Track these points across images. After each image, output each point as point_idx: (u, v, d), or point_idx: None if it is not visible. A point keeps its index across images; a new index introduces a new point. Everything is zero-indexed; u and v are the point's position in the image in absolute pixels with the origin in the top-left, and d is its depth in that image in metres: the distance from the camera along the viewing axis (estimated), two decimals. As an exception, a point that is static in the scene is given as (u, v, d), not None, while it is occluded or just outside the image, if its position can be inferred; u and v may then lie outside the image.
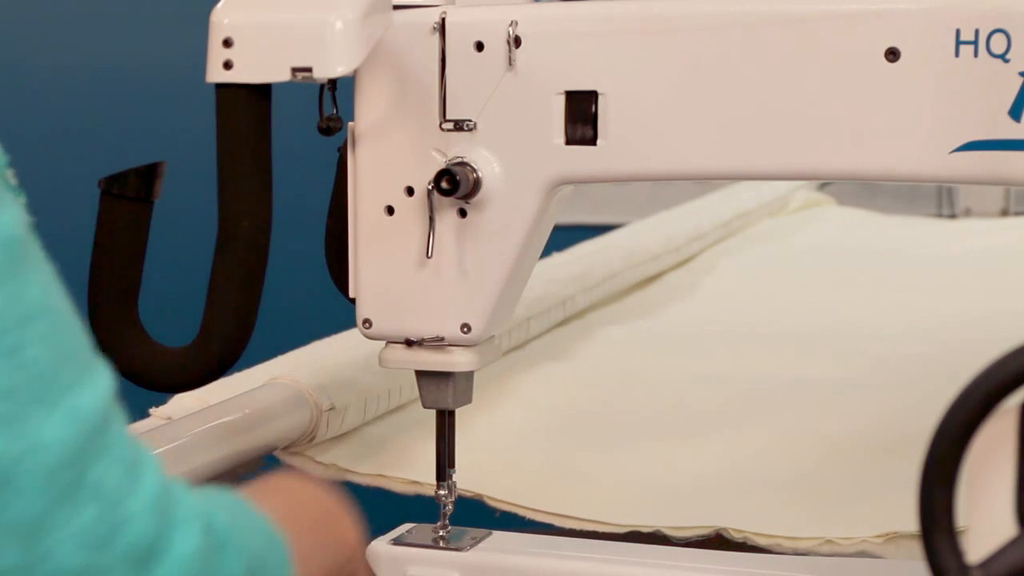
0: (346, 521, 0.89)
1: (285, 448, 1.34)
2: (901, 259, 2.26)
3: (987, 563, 0.73)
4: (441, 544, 1.19)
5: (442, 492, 1.20)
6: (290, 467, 1.35)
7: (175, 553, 0.64)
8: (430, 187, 1.10)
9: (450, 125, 1.11)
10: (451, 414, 1.18)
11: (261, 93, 1.05)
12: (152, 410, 1.32)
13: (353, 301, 1.17)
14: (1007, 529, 0.74)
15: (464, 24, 1.10)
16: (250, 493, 0.77)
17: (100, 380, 0.64)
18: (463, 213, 1.12)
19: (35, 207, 0.77)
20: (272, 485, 0.86)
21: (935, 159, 1.03)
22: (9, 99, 2.83)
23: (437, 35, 1.10)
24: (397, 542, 1.20)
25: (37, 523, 0.60)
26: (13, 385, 0.60)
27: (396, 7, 1.09)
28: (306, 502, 0.85)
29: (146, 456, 0.65)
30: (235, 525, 0.70)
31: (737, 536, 1.23)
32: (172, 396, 1.32)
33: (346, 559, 0.88)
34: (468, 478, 1.26)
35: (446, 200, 1.11)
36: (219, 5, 1.05)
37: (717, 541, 1.23)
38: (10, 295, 0.61)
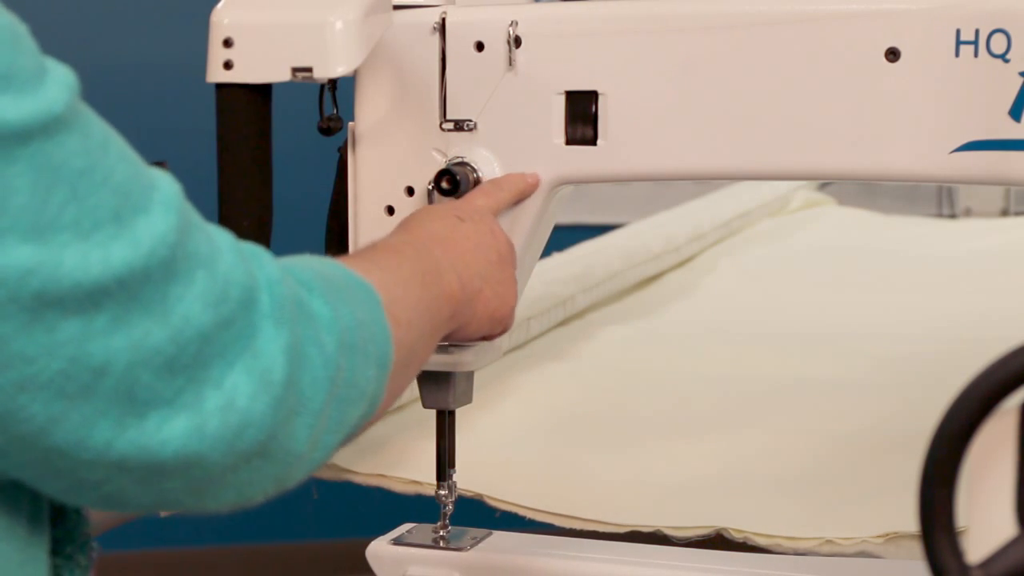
0: (449, 272, 0.95)
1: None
2: (901, 259, 2.26)
3: (987, 563, 0.73)
4: (441, 544, 1.19)
5: (442, 492, 1.20)
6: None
7: (266, 282, 0.75)
8: (430, 187, 1.10)
9: (450, 125, 1.11)
10: (451, 414, 1.18)
11: (261, 93, 1.05)
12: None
13: (353, 301, 1.16)
14: (1007, 529, 0.74)
15: (464, 24, 1.10)
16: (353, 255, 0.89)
17: (166, 174, 0.73)
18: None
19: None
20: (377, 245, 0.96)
21: (935, 159, 1.03)
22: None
23: (437, 35, 1.10)
24: (397, 542, 1.20)
25: (166, 300, 0.70)
26: (116, 206, 0.68)
27: (396, 7, 1.09)
28: (411, 255, 0.93)
29: (211, 224, 0.75)
30: (299, 260, 0.81)
31: (737, 536, 1.23)
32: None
33: (452, 313, 0.94)
34: (468, 478, 1.26)
35: (446, 200, 1.11)
36: (219, 5, 1.05)
37: (717, 541, 1.23)
38: (84, 133, 0.69)
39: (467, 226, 1.00)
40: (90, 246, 0.67)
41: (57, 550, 0.77)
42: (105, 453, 0.69)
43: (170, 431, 0.70)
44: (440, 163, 1.11)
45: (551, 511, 1.29)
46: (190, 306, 0.70)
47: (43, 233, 0.66)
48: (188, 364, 0.70)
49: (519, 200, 1.10)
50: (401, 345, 0.85)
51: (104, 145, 0.70)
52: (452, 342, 1.03)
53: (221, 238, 0.74)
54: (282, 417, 0.74)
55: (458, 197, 1.10)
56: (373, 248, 0.95)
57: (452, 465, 1.20)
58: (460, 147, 1.11)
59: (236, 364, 0.72)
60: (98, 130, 0.70)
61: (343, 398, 0.79)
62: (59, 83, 0.68)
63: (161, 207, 0.70)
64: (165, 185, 0.72)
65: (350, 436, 0.82)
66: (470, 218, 1.01)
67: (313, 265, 0.82)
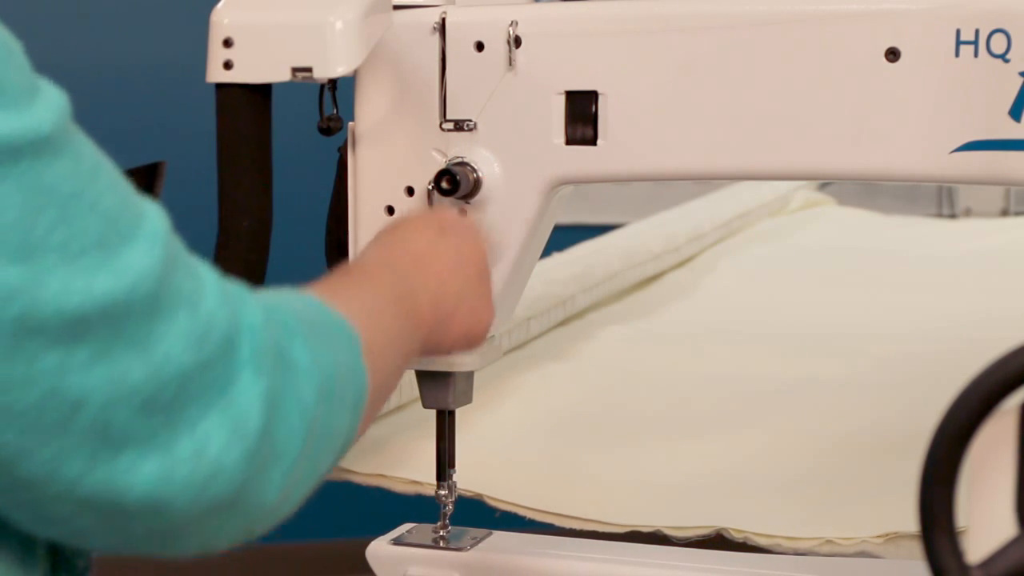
0: (423, 295, 0.93)
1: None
2: (901, 259, 2.26)
3: (987, 563, 0.73)
4: (441, 544, 1.19)
5: (442, 492, 1.20)
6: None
7: (248, 328, 0.73)
8: (430, 187, 1.10)
9: (450, 125, 1.11)
10: (451, 414, 1.18)
11: (261, 93, 1.05)
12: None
13: (353, 301, 1.16)
14: (1007, 529, 0.74)
15: (464, 24, 1.10)
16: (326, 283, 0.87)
17: (152, 205, 0.72)
18: (463, 213, 1.12)
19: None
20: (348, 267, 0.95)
21: (935, 159, 1.03)
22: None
23: (437, 35, 1.10)
24: (397, 542, 1.20)
25: (149, 337, 0.69)
26: (103, 233, 0.68)
27: (396, 7, 1.09)
28: (387, 282, 0.91)
29: (196, 259, 0.74)
30: (281, 301, 0.79)
31: (737, 536, 1.23)
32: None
33: (423, 338, 0.92)
34: (468, 478, 1.26)
35: (446, 200, 1.11)
36: (219, 5, 1.05)
37: (717, 541, 1.23)
38: (75, 157, 0.68)
39: (448, 240, 0.97)
40: (74, 272, 0.66)
41: (55, 552, 0.77)
42: (72, 489, 0.68)
43: (139, 473, 0.69)
44: (440, 163, 1.11)
45: (551, 511, 1.29)
46: (172, 345, 0.69)
47: (30, 254, 0.65)
48: (166, 405, 0.69)
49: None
50: (374, 380, 0.83)
51: (94, 171, 0.69)
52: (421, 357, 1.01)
53: (206, 276, 0.73)
54: (254, 469, 0.72)
55: (458, 197, 1.10)
56: (349, 273, 0.93)
57: (452, 465, 1.20)
58: (460, 147, 1.11)
59: (211, 409, 0.70)
60: (89, 156, 0.69)
61: (318, 447, 0.77)
62: (50, 105, 0.68)
63: (147, 239, 0.70)
64: (153, 217, 0.71)
65: (321, 479, 0.80)
66: (453, 229, 0.99)
67: (295, 306, 0.80)
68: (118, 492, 0.69)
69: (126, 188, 0.71)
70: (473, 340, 0.98)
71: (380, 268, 0.93)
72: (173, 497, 0.70)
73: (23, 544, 0.73)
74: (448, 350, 0.98)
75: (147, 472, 0.69)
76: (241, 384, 0.72)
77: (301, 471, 0.76)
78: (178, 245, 0.72)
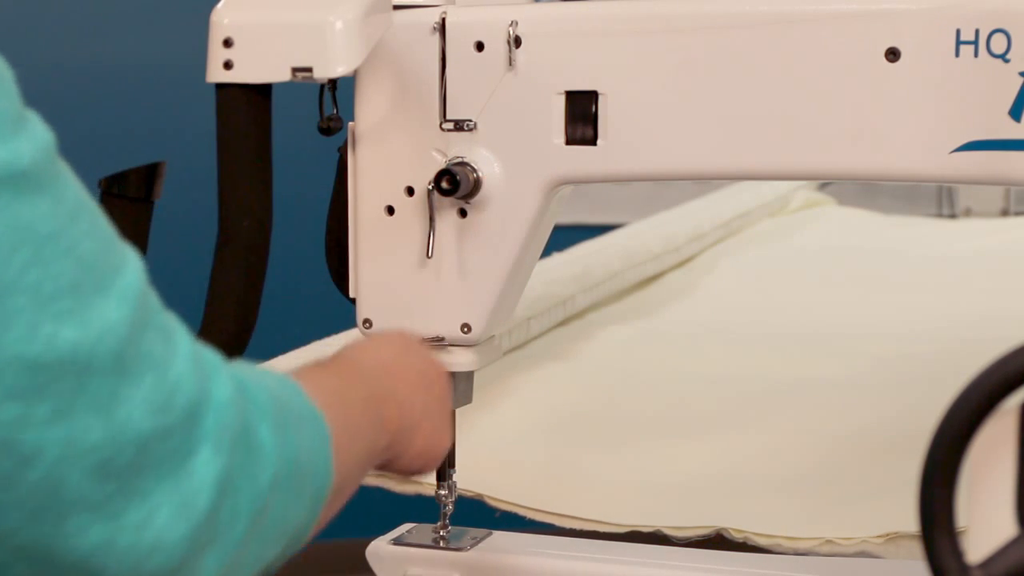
0: (391, 401, 0.91)
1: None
2: (901, 259, 2.26)
3: (987, 563, 0.73)
4: (441, 544, 1.19)
5: (442, 492, 1.20)
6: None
7: (215, 402, 0.71)
8: (430, 187, 1.10)
9: (450, 125, 1.11)
10: (451, 414, 1.18)
11: (261, 93, 1.05)
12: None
13: (353, 301, 1.17)
14: (1007, 529, 0.74)
15: (464, 24, 1.10)
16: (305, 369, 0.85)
17: (133, 258, 0.70)
18: (463, 213, 1.12)
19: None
20: (333, 358, 0.92)
21: (935, 159, 1.03)
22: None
23: (437, 35, 1.10)
24: (397, 542, 1.20)
25: (112, 398, 0.66)
26: (76, 280, 0.66)
27: (396, 7, 1.09)
28: (357, 380, 0.89)
29: (173, 320, 0.72)
30: (256, 378, 0.77)
31: (737, 536, 1.23)
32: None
33: (387, 443, 0.90)
34: (468, 478, 1.26)
35: (446, 200, 1.11)
36: (219, 5, 1.05)
37: (717, 541, 1.23)
38: (56, 197, 0.66)
39: (413, 359, 0.96)
40: (43, 317, 0.64)
41: None
42: (9, 538, 0.66)
43: (81, 538, 0.67)
44: (440, 163, 1.11)
45: (551, 511, 1.29)
46: (133, 409, 0.67)
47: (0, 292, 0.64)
48: (120, 471, 0.67)
49: None
50: (339, 473, 0.81)
51: (75, 214, 0.67)
52: (382, 472, 1.00)
53: (180, 341, 0.71)
54: (196, 548, 0.70)
55: (458, 197, 1.10)
56: (323, 365, 0.90)
57: (452, 465, 1.20)
58: (460, 147, 1.11)
59: (165, 481, 0.68)
60: (72, 197, 0.67)
61: (264, 535, 0.75)
62: (34, 139, 0.66)
63: (120, 295, 0.67)
64: (130, 272, 0.69)
65: (270, 567, 0.78)
66: (416, 352, 0.97)
67: (271, 384, 0.77)
68: (54, 551, 0.67)
69: (107, 235, 0.69)
70: (431, 461, 0.96)
71: (352, 367, 0.91)
72: (110, 566, 0.68)
73: None
74: (407, 467, 0.95)
75: (90, 537, 0.67)
76: (198, 459, 0.69)
77: (242, 556, 0.73)
78: (153, 304, 0.70)
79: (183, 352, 0.70)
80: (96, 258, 0.67)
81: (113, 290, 0.67)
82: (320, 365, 0.90)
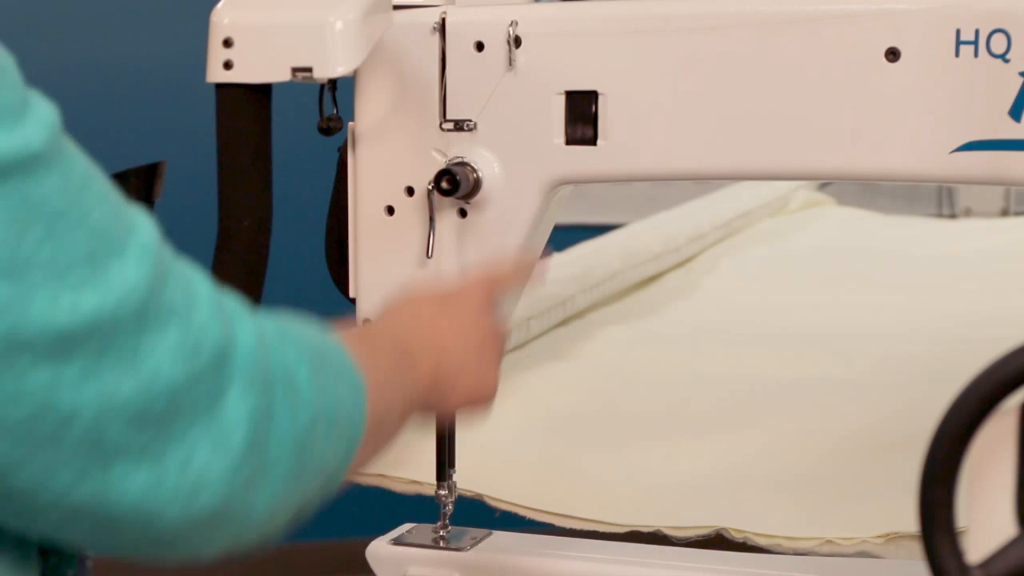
0: (423, 358, 0.94)
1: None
2: (901, 259, 2.26)
3: (987, 563, 0.73)
4: (441, 544, 1.19)
5: (442, 492, 1.20)
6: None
7: (240, 345, 0.73)
8: (430, 187, 1.10)
9: (450, 125, 1.11)
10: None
11: (261, 93, 1.05)
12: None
13: (353, 301, 1.17)
14: (1007, 529, 0.74)
15: (464, 24, 1.10)
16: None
17: (145, 217, 0.72)
18: (463, 213, 1.12)
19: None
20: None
21: (935, 159, 1.03)
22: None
23: (437, 35, 1.10)
24: (397, 542, 1.20)
25: (138, 351, 0.68)
26: (91, 248, 0.67)
27: (396, 7, 1.09)
28: (388, 341, 0.92)
29: (191, 268, 0.74)
30: (296, 326, 0.80)
31: (737, 536, 1.23)
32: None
33: (421, 399, 0.93)
34: (468, 478, 1.26)
35: (446, 200, 1.11)
36: (219, 5, 1.05)
37: (717, 541, 1.23)
38: (64, 172, 0.68)
39: (449, 313, 0.98)
40: (61, 288, 0.66)
41: (49, 557, 0.77)
42: (63, 498, 0.69)
43: (129, 484, 0.69)
44: (440, 163, 1.11)
45: (551, 511, 1.29)
46: (161, 359, 0.69)
47: (16, 271, 0.65)
48: (156, 418, 0.69)
49: (520, 287, 1.08)
50: (370, 423, 0.84)
51: (84, 185, 0.69)
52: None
53: (201, 289, 0.73)
54: (240, 484, 0.73)
55: (458, 197, 1.10)
56: (351, 332, 0.92)
57: (452, 465, 1.20)
58: (460, 147, 1.11)
59: (199, 423, 0.71)
60: (79, 169, 0.69)
61: (307, 473, 0.77)
62: (40, 120, 0.67)
63: (136, 254, 0.69)
64: (143, 231, 0.71)
65: (307, 509, 0.81)
66: (454, 302, 0.99)
67: (310, 335, 0.81)
68: (108, 502, 0.69)
69: (116, 200, 0.70)
70: (476, 407, 0.99)
71: (381, 331, 0.94)
72: (162, 508, 0.70)
73: (19, 547, 0.73)
74: (451, 414, 1.00)
75: (137, 483, 0.69)
76: (230, 399, 0.72)
77: (290, 491, 0.76)
78: (170, 257, 0.72)
79: (204, 299, 0.73)
80: (108, 223, 0.69)
81: (129, 250, 0.69)
82: (348, 331, 0.92)
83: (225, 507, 0.72)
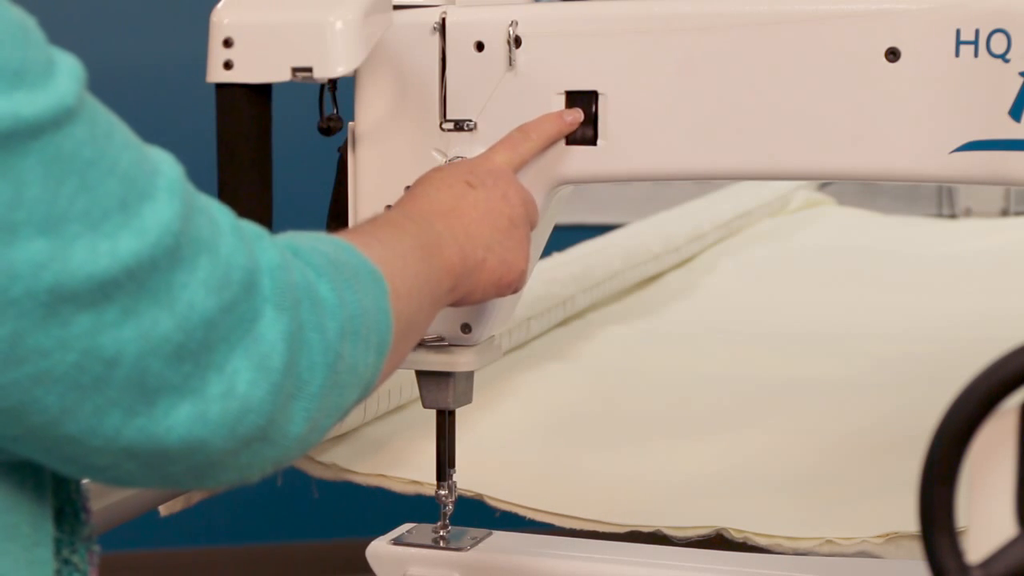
0: (450, 243, 0.95)
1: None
2: (901, 259, 2.26)
3: (987, 563, 0.73)
4: (441, 544, 1.19)
5: (442, 492, 1.20)
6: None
7: (267, 267, 0.75)
8: (430, 187, 1.10)
9: (450, 125, 1.11)
10: (451, 414, 1.18)
11: (261, 93, 1.05)
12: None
13: (353, 301, 1.16)
14: (1007, 529, 0.74)
15: (464, 24, 1.10)
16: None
17: (165, 155, 0.73)
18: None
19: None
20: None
21: (935, 159, 1.03)
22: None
23: (437, 35, 1.10)
24: (397, 542, 1.20)
25: (172, 288, 0.70)
26: (123, 194, 0.69)
27: (396, 7, 1.09)
28: (411, 230, 0.93)
29: (208, 199, 0.75)
30: (310, 242, 0.82)
31: (737, 536, 1.23)
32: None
33: (451, 286, 0.95)
34: (468, 478, 1.26)
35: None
36: (219, 5, 1.05)
37: (717, 541, 1.23)
38: (91, 122, 0.69)
39: (476, 193, 1.00)
40: (98, 237, 0.68)
41: (59, 551, 0.77)
42: (114, 440, 0.70)
43: (176, 417, 0.71)
44: (440, 163, 1.11)
45: (551, 511, 1.29)
46: (194, 292, 0.71)
47: (55, 225, 0.66)
48: (194, 350, 0.71)
49: (555, 141, 1.09)
50: (399, 321, 0.85)
51: (109, 133, 0.70)
52: (458, 306, 1.04)
53: (222, 218, 0.75)
54: (280, 402, 0.75)
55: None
56: (373, 222, 0.95)
57: (452, 465, 1.20)
58: (460, 147, 1.11)
59: (237, 349, 0.73)
60: (103, 118, 0.70)
61: (341, 384, 0.79)
62: (68, 74, 0.68)
63: (165, 193, 0.71)
64: (167, 169, 0.72)
65: (344, 416, 0.84)
66: (481, 183, 1.01)
67: (325, 248, 0.82)
68: (157, 438, 0.71)
69: (137, 143, 0.72)
70: (508, 287, 1.00)
71: (405, 219, 0.95)
72: (209, 436, 0.72)
73: (32, 543, 0.74)
74: (481, 299, 1.00)
75: (183, 416, 0.71)
76: (264, 321, 0.74)
77: (326, 404, 0.78)
78: (192, 192, 0.73)
79: (226, 227, 0.74)
80: (136, 168, 0.70)
81: (159, 192, 0.70)
82: (372, 222, 0.94)
83: (268, 426, 0.74)
